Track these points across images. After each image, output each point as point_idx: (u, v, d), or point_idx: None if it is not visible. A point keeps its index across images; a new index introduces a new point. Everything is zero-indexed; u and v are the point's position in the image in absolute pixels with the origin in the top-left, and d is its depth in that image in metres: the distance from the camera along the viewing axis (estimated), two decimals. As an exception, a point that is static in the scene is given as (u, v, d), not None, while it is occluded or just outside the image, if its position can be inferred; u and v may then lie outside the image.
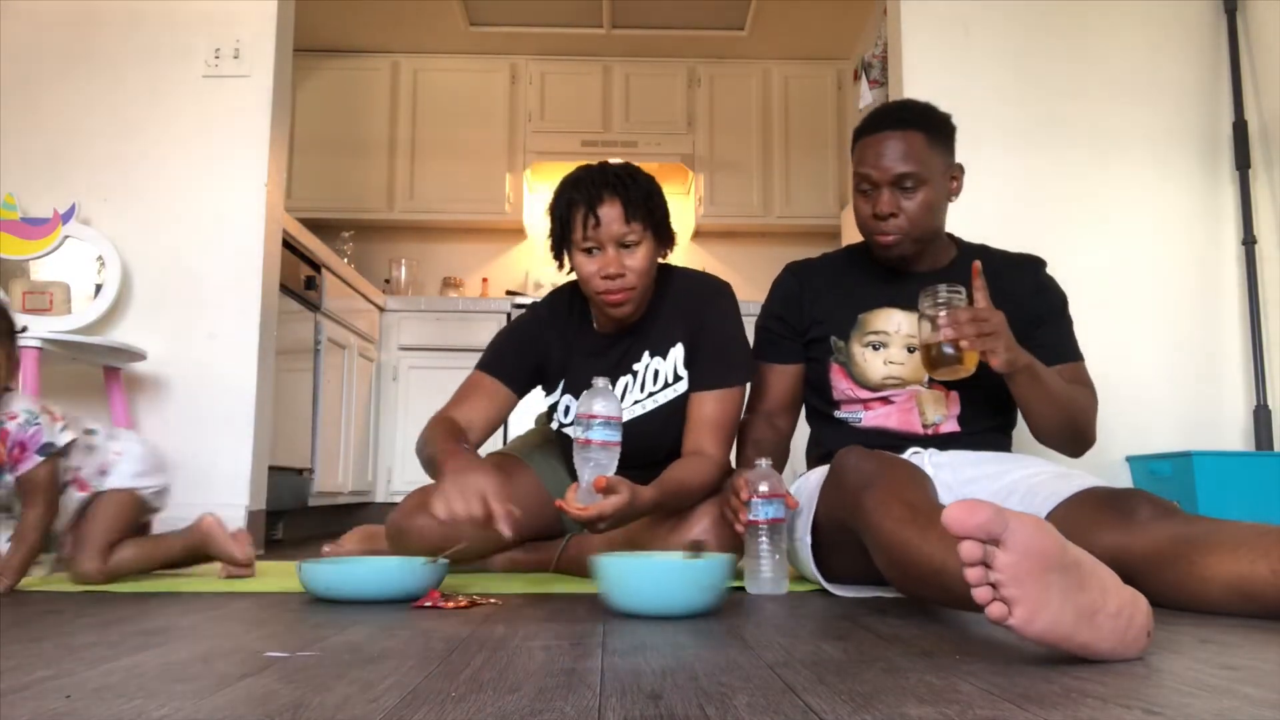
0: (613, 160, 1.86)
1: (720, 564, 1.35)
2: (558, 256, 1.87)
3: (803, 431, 1.95)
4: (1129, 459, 2.53)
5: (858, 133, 1.82)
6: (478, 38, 4.60)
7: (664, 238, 1.83)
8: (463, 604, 1.40)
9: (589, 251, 1.78)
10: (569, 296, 1.98)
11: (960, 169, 1.81)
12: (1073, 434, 1.74)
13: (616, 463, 1.57)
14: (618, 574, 1.35)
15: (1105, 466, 2.49)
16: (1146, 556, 1.37)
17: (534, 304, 2.02)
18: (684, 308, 1.87)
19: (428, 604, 1.40)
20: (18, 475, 1.65)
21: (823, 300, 1.86)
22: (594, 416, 1.55)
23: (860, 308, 1.82)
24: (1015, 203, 2.69)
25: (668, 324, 1.88)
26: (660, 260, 1.87)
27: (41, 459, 1.65)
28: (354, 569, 1.59)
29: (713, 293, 1.89)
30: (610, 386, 1.63)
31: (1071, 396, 1.72)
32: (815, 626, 1.24)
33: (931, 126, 1.76)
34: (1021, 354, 1.61)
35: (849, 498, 1.40)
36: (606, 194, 1.74)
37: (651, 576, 1.36)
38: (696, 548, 1.48)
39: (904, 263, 1.82)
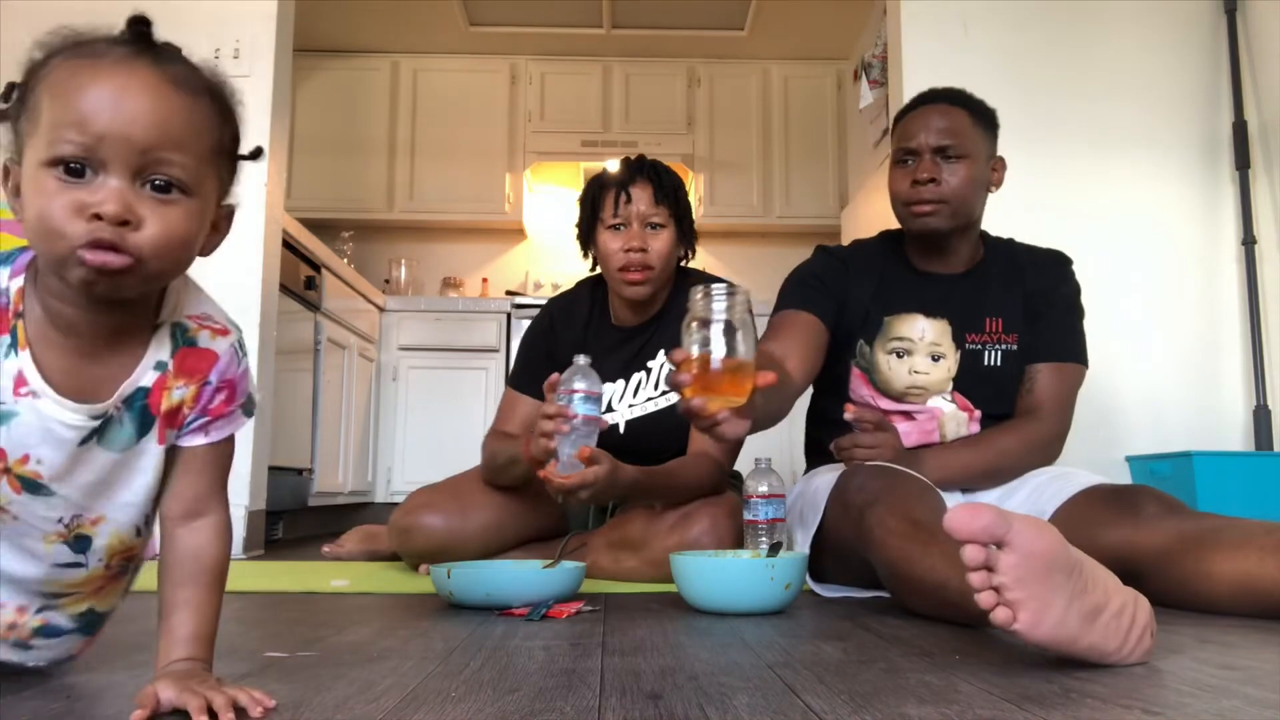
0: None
1: (798, 562, 1.37)
2: (584, 245, 1.95)
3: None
4: (1129, 459, 2.52)
5: (900, 113, 1.81)
6: (478, 38, 4.60)
7: (685, 234, 1.92)
8: (572, 611, 1.35)
9: (616, 229, 1.86)
10: (589, 290, 2.03)
11: (1002, 162, 1.79)
12: (1011, 475, 1.71)
13: (597, 437, 1.60)
14: (698, 573, 1.37)
15: (1105, 466, 2.48)
16: (1153, 553, 1.37)
17: (545, 306, 2.08)
18: None
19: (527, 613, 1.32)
20: (210, 441, 0.82)
21: (860, 285, 1.78)
22: (574, 391, 1.58)
23: (888, 310, 1.76)
24: (1014, 203, 2.67)
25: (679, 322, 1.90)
26: (682, 264, 1.97)
27: (245, 418, 0.85)
28: (502, 574, 1.53)
29: None
30: (590, 363, 1.64)
31: (971, 466, 1.67)
32: (815, 627, 1.24)
33: (976, 110, 1.76)
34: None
35: (854, 515, 1.40)
36: (639, 177, 1.88)
37: (734, 575, 1.37)
38: (775, 549, 1.49)
39: (937, 245, 1.75)
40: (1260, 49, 2.72)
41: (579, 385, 1.58)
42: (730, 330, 1.15)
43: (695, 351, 1.15)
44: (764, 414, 1.39)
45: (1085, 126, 2.75)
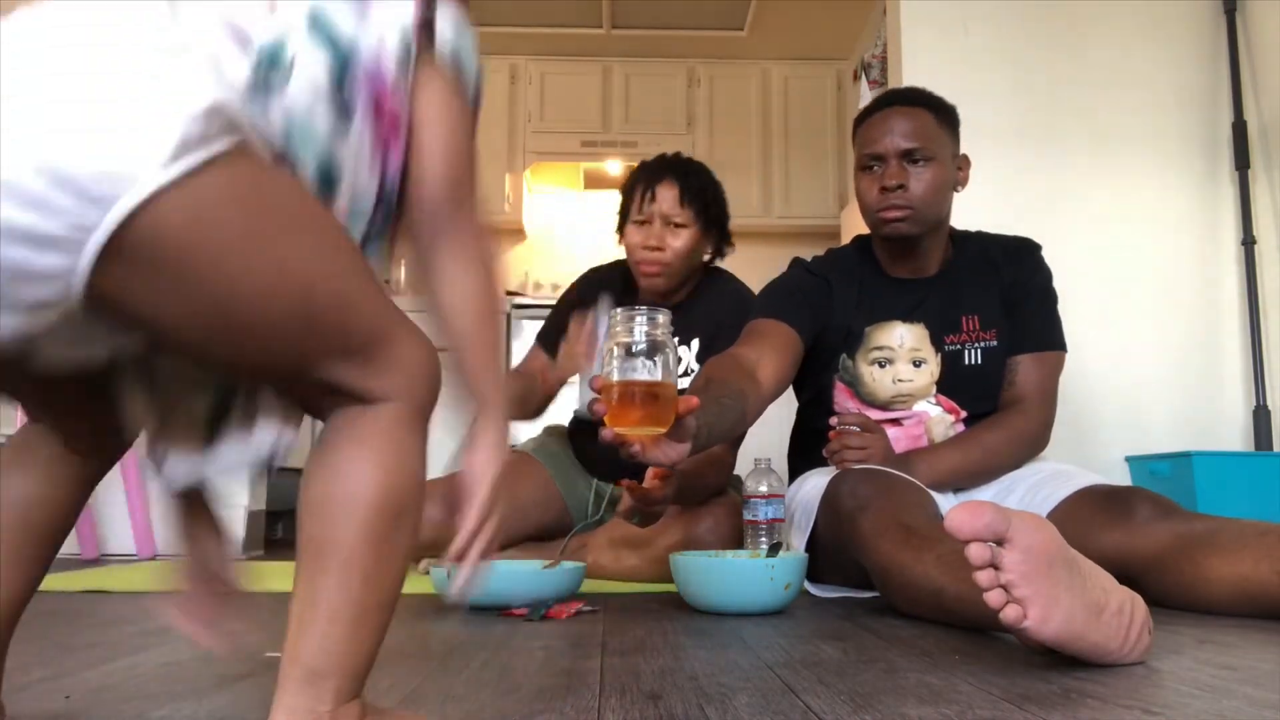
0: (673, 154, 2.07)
1: (798, 562, 1.37)
2: (619, 230, 2.05)
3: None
4: (1129, 459, 2.52)
5: (861, 117, 1.78)
6: (477, 38, 4.60)
7: (712, 233, 2.02)
8: (572, 612, 1.34)
9: (640, 224, 1.96)
10: (623, 272, 2.10)
11: (966, 160, 1.77)
12: (1001, 471, 1.71)
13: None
14: (698, 573, 1.36)
15: (1105, 466, 2.48)
16: (1149, 558, 1.37)
17: (580, 277, 2.19)
18: (711, 307, 1.98)
19: (529, 614, 1.30)
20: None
21: (843, 299, 1.77)
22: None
23: (868, 321, 1.75)
24: (1014, 203, 2.68)
25: (696, 317, 1.99)
26: (715, 263, 2.08)
27: None
28: (502, 574, 1.48)
29: (739, 301, 1.95)
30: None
31: (961, 469, 1.66)
32: (815, 627, 1.24)
33: (939, 109, 1.73)
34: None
35: (845, 522, 1.39)
36: (667, 176, 1.96)
37: (734, 575, 1.36)
38: (775, 549, 1.49)
39: (909, 250, 1.74)
40: (1260, 49, 2.72)
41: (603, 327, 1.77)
42: (651, 355, 1.12)
43: (615, 378, 1.12)
44: (720, 429, 1.37)
45: (1085, 126, 2.75)
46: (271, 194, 0.51)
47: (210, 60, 0.50)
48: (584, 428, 2.10)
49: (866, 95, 3.70)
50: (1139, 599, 0.97)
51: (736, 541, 1.71)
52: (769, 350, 1.65)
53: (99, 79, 0.45)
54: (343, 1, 0.59)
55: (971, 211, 2.08)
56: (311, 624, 0.54)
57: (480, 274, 0.68)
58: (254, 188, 0.49)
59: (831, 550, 1.51)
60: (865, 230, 1.87)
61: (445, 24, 0.70)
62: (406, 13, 0.63)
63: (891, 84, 2.85)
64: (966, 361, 1.72)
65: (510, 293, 4.67)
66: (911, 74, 2.72)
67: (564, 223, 4.95)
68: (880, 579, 1.33)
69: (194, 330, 0.50)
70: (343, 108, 0.57)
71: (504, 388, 0.71)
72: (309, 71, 0.55)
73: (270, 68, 0.52)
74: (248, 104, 0.50)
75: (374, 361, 0.56)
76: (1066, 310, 1.81)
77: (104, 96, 0.45)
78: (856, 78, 4.11)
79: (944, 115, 1.73)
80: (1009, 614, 0.89)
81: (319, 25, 0.57)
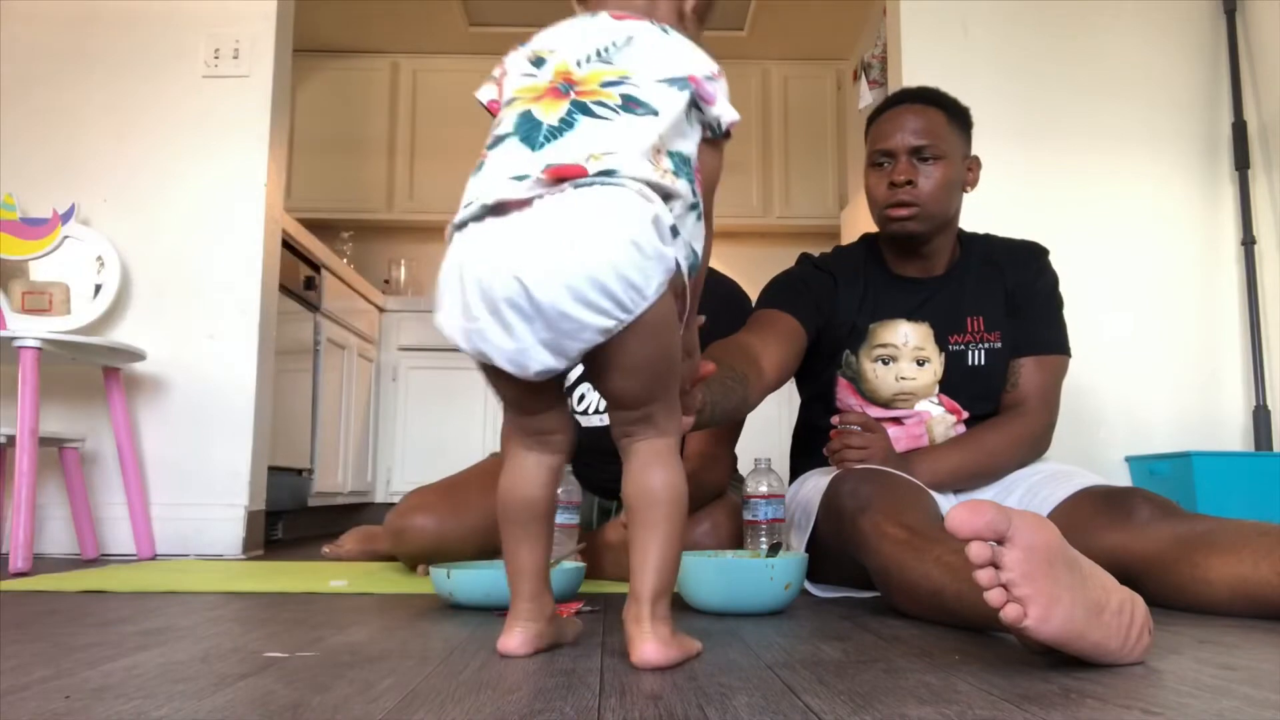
0: None
1: (798, 562, 1.36)
2: None
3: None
4: (1129, 459, 2.52)
5: (874, 114, 1.79)
6: (478, 38, 4.60)
7: None
8: (572, 612, 1.33)
9: None
10: None
11: (977, 161, 1.77)
12: (1002, 473, 1.71)
13: (578, 535, 1.72)
14: (698, 573, 1.36)
15: (1105, 466, 2.49)
16: (1148, 558, 1.37)
17: None
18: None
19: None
20: None
21: (847, 295, 1.77)
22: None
23: (872, 318, 1.75)
24: (1014, 203, 2.69)
25: None
26: None
27: None
28: (502, 574, 1.52)
29: (723, 296, 1.93)
30: (571, 471, 1.74)
31: (962, 469, 1.66)
32: (815, 627, 1.24)
33: (951, 109, 1.74)
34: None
35: (846, 523, 1.39)
36: None
37: (734, 575, 1.35)
38: (775, 549, 1.48)
39: (915, 249, 1.74)
40: (1260, 49, 2.73)
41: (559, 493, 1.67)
42: None
43: None
44: (723, 409, 1.40)
45: (1085, 126, 2.75)
46: (671, 310, 0.94)
47: (666, 229, 0.91)
48: (581, 449, 2.07)
49: (866, 95, 3.70)
50: (1139, 599, 0.97)
51: (735, 543, 1.71)
52: (773, 339, 1.66)
53: (639, 241, 0.88)
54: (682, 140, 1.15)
55: (968, 211, 2.08)
56: (647, 564, 0.94)
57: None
58: (669, 307, 0.93)
59: (832, 550, 1.51)
60: (866, 229, 1.88)
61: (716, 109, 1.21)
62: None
63: (891, 84, 2.85)
64: (970, 362, 1.72)
65: (510, 293, 4.67)
66: (911, 74, 2.72)
67: (564, 223, 4.95)
68: (880, 579, 1.33)
69: (626, 364, 0.93)
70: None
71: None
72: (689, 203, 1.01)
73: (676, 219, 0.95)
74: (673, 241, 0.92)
75: (671, 410, 0.99)
76: (1066, 310, 1.81)
77: (644, 253, 0.88)
78: (856, 78, 4.10)
79: (956, 115, 1.74)
80: (1009, 613, 0.89)
81: (679, 162, 1.07)
